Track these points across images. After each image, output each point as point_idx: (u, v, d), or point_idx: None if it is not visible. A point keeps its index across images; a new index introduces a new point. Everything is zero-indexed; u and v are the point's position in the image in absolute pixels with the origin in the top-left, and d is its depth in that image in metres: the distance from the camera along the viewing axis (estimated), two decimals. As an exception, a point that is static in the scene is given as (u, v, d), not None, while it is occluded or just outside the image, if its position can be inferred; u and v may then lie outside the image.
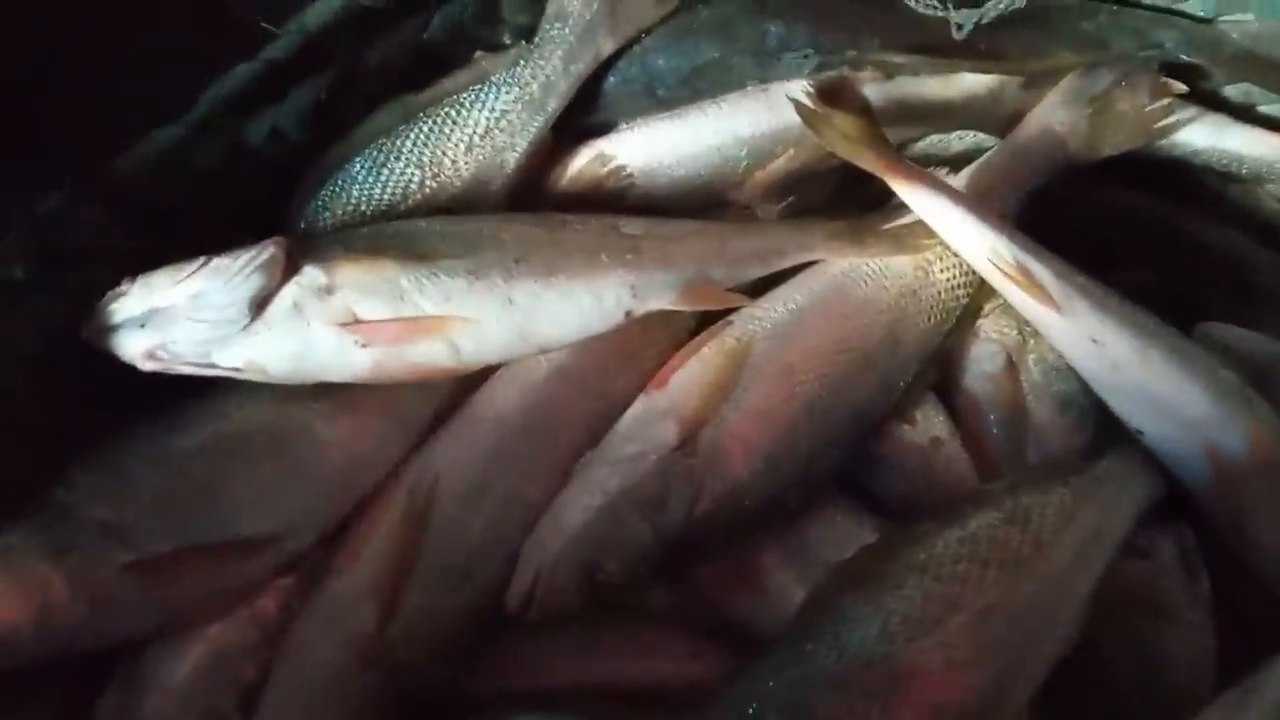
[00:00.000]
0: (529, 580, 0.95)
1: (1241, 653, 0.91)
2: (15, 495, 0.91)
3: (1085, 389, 1.04)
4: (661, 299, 1.02)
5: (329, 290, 0.94)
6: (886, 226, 1.07)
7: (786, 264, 1.07)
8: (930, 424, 1.06)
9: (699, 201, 1.13)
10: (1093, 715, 0.92)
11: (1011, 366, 1.07)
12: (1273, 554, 0.96)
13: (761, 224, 1.12)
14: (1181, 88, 1.08)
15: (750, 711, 0.84)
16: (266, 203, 1.08)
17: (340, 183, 1.08)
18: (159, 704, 0.90)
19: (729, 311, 1.05)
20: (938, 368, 1.07)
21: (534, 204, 1.12)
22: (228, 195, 1.07)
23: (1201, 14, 1.09)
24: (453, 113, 1.09)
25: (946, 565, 0.89)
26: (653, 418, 1.00)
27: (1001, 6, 1.05)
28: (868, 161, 1.03)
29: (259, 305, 0.93)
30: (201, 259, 0.93)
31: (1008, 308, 1.07)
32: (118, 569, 0.88)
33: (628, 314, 1.01)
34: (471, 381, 1.04)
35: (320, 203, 1.08)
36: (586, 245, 1.01)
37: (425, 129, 1.08)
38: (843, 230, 1.07)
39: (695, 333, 1.07)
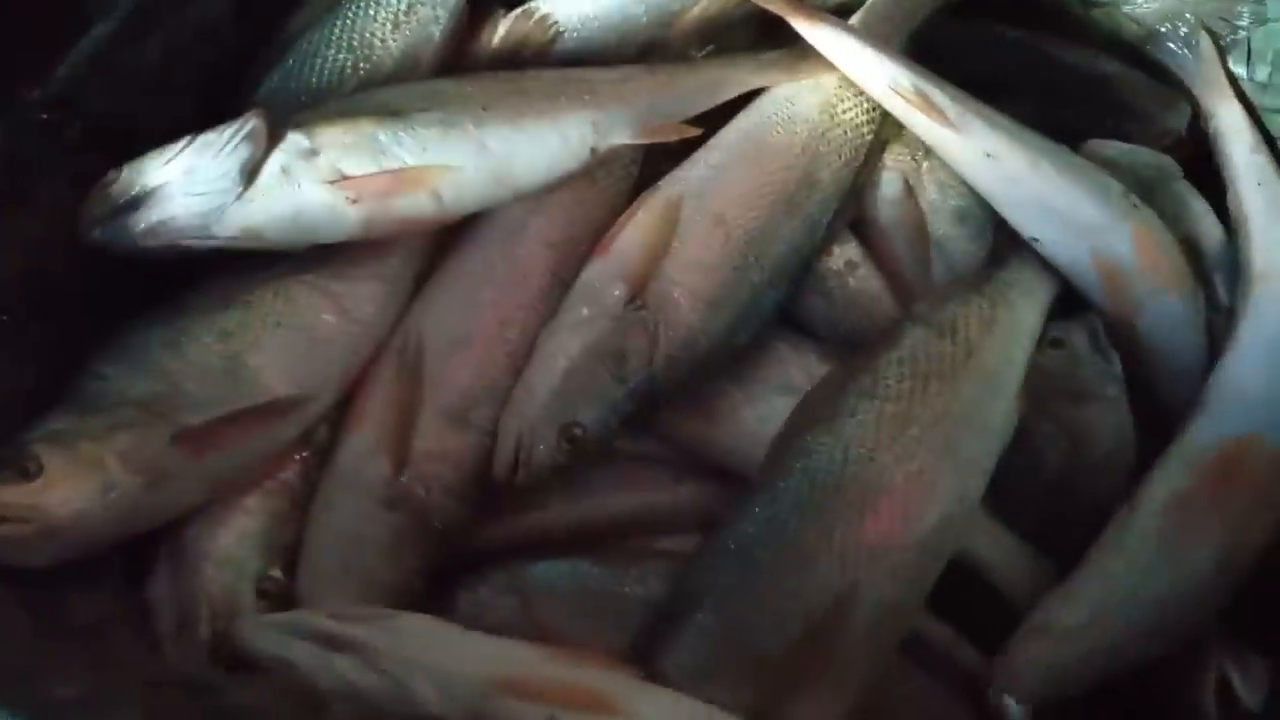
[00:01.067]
0: (512, 447, 0.98)
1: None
2: (17, 408, 0.89)
3: (979, 201, 1.09)
4: (622, 134, 1.05)
5: (314, 152, 0.95)
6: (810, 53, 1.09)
7: (727, 95, 1.11)
8: (844, 251, 1.11)
9: (623, 57, 1.13)
10: (1032, 496, 0.99)
11: (909, 190, 1.12)
12: (1155, 349, 1.04)
13: (701, 62, 1.14)
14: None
15: (739, 550, 0.90)
16: (202, 109, 1.03)
17: (276, 78, 1.07)
18: (214, 572, 0.93)
19: (675, 159, 1.08)
20: (856, 202, 1.10)
21: (467, 71, 1.12)
22: (166, 98, 1.04)
23: None
24: (374, -7, 1.09)
25: (892, 385, 0.95)
26: (602, 281, 1.03)
27: None
28: (774, 5, 1.07)
29: (249, 174, 0.93)
30: (186, 138, 0.94)
31: (899, 138, 1.12)
32: (166, 442, 0.89)
33: (592, 150, 1.04)
34: (446, 246, 1.06)
35: (260, 99, 1.05)
36: (546, 91, 1.05)
37: (351, 13, 1.09)
38: (773, 59, 1.11)
39: (640, 186, 1.09)
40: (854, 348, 1.04)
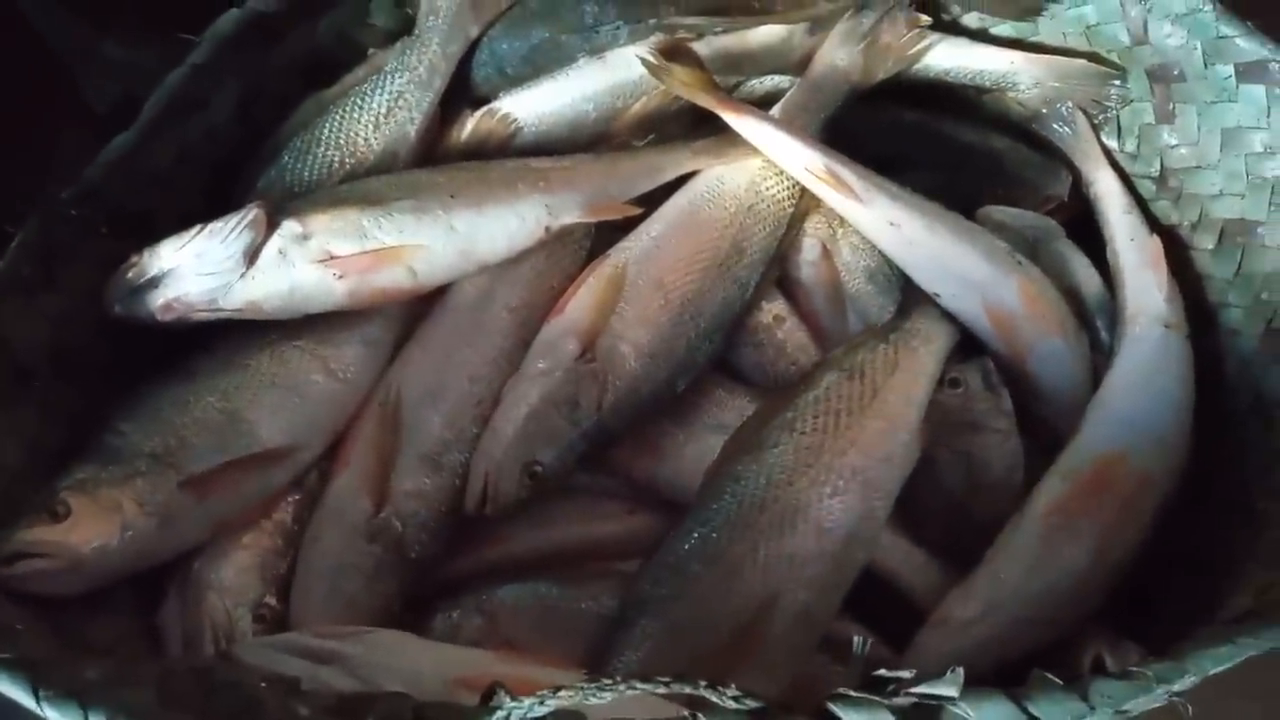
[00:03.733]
0: (480, 483, 1.05)
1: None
2: (48, 459, 0.97)
3: (887, 262, 1.17)
4: (572, 214, 1.12)
5: (306, 236, 1.03)
6: (737, 140, 1.16)
7: (665, 178, 1.18)
8: (772, 307, 1.18)
9: (574, 147, 1.21)
10: (934, 515, 1.06)
11: (826, 253, 1.19)
12: (1044, 386, 1.11)
13: (642, 150, 1.21)
14: (928, 19, 1.21)
15: (677, 563, 0.97)
16: (207, 200, 1.13)
17: (274, 173, 1.14)
18: (216, 601, 0.99)
19: (624, 232, 1.16)
20: (779, 266, 1.18)
21: (440, 163, 1.18)
22: (178, 192, 1.12)
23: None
24: (358, 100, 1.16)
25: (808, 420, 1.03)
26: (557, 338, 1.09)
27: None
28: (705, 101, 1.15)
29: (251, 256, 1.01)
30: (197, 227, 1.01)
31: (817, 209, 1.19)
32: (175, 488, 0.97)
33: (546, 229, 1.12)
34: (422, 313, 1.14)
35: (259, 191, 1.13)
36: (506, 179, 1.12)
37: (338, 116, 1.16)
38: (705, 146, 1.18)
39: (592, 255, 1.16)
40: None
